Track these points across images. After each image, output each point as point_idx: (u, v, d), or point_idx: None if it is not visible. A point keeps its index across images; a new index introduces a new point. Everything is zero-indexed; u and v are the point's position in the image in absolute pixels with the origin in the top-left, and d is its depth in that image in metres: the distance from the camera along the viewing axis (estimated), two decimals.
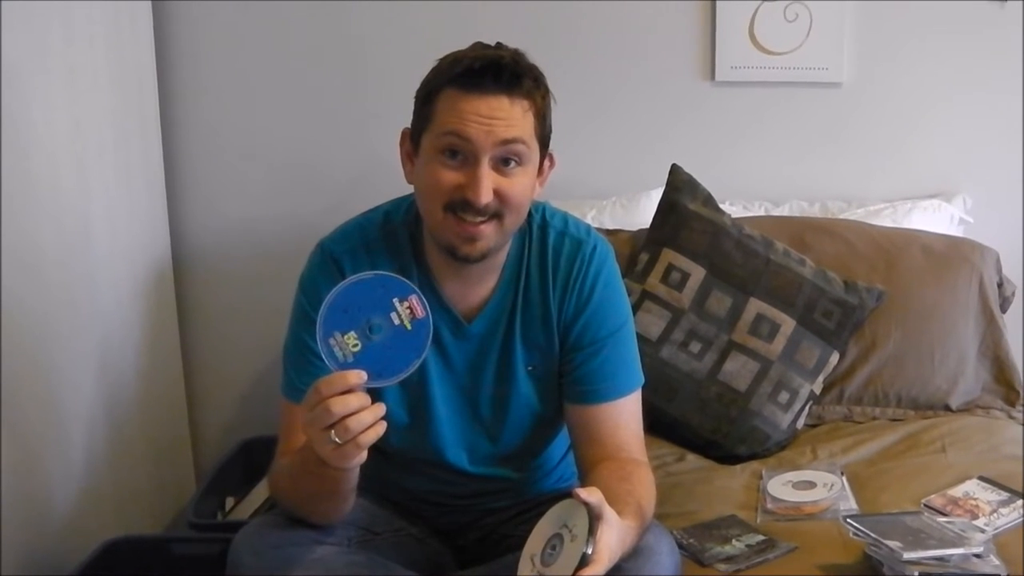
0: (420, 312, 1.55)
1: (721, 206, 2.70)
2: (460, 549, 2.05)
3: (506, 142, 1.70)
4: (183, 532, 2.66)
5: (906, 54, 3.00)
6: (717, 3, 2.99)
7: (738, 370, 2.50)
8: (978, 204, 3.00)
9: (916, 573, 1.67)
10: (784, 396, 2.48)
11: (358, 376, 1.50)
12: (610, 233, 2.70)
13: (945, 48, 2.99)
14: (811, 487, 2.17)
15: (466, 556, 2.03)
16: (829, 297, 2.56)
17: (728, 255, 2.59)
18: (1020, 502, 2.04)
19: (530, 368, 1.89)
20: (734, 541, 1.97)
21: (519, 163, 1.73)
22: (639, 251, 2.66)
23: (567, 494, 1.55)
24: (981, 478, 2.14)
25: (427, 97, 1.74)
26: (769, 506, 2.12)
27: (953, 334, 2.63)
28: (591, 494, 1.50)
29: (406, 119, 1.81)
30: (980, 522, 1.95)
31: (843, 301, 2.56)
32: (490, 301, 1.87)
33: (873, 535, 1.76)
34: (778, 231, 2.70)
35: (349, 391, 1.49)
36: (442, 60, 1.75)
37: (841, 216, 2.93)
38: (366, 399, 1.50)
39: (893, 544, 1.72)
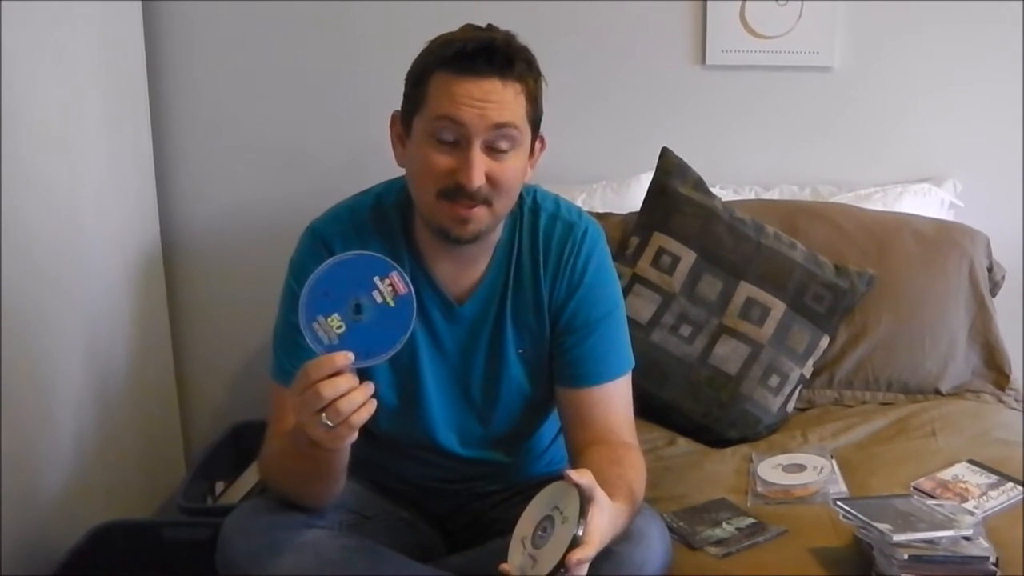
0: (402, 288, 1.55)
1: (712, 190, 2.70)
2: (450, 533, 2.05)
3: (499, 126, 1.69)
4: (173, 516, 2.66)
5: (897, 38, 3.00)
6: None
7: (729, 354, 2.51)
8: (968, 188, 3.01)
9: (906, 556, 1.68)
10: (774, 380, 2.49)
11: (345, 357, 1.50)
12: (601, 217, 2.69)
13: (936, 33, 2.99)
14: (801, 470, 2.17)
15: (456, 539, 2.04)
16: (820, 281, 2.56)
17: (719, 239, 2.58)
18: (1009, 485, 2.05)
19: (521, 351, 1.89)
20: (724, 524, 1.97)
21: (511, 147, 1.72)
22: (630, 235, 2.66)
23: (558, 477, 1.54)
24: (971, 461, 2.15)
25: (418, 80, 1.74)
26: (759, 489, 2.13)
27: (943, 318, 2.63)
28: (582, 476, 1.50)
29: (396, 102, 1.80)
30: (969, 505, 1.96)
31: (834, 285, 2.56)
32: (481, 284, 1.87)
33: (863, 518, 1.76)
34: (769, 215, 2.70)
35: (337, 373, 1.49)
36: (433, 42, 1.74)
37: (832, 200, 2.93)
38: (355, 380, 1.50)
39: (883, 527, 1.72)
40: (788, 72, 3.04)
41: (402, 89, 1.78)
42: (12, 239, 2.34)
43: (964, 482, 2.07)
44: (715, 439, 2.46)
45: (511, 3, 2.86)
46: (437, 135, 1.71)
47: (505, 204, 1.77)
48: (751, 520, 1.98)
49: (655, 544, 1.67)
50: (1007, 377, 2.64)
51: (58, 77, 2.54)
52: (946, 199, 2.95)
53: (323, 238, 1.85)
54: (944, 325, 2.63)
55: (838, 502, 1.84)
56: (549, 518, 1.53)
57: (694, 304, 2.54)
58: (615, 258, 2.06)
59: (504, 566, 1.53)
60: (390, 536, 1.91)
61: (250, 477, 2.76)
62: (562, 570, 1.45)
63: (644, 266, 2.58)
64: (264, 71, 3.11)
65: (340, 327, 1.53)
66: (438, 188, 1.72)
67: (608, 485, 1.57)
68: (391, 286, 1.55)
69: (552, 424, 2.01)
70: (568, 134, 2.81)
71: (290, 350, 1.80)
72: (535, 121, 1.78)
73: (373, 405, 1.52)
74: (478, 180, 1.69)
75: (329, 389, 1.48)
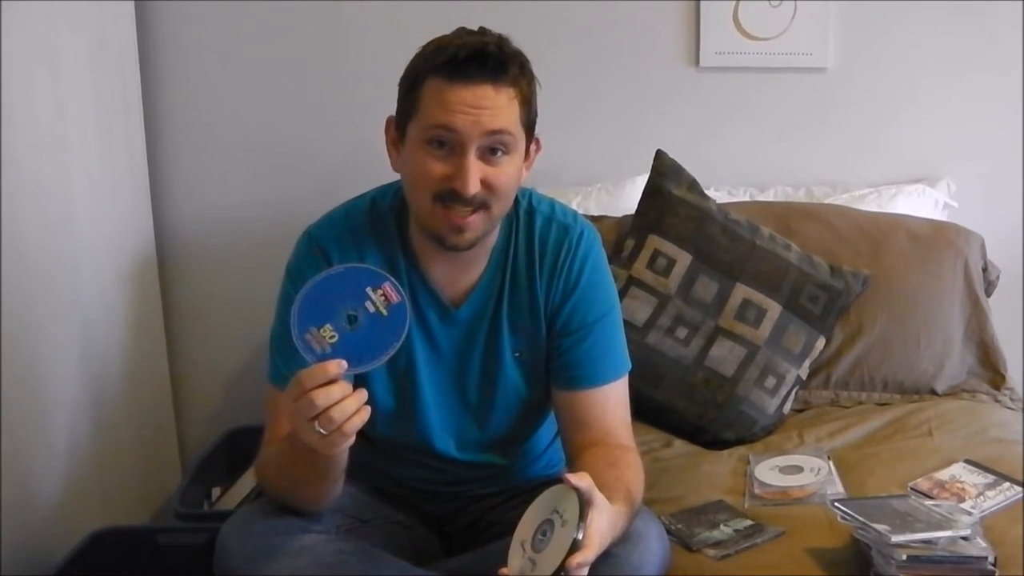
0: (395, 297, 1.55)
1: (706, 191, 2.69)
2: (448, 536, 2.05)
3: (492, 132, 1.69)
4: (169, 522, 2.66)
5: (890, 39, 3.01)
6: None
7: (725, 355, 2.50)
8: (962, 189, 3.01)
9: (904, 556, 1.68)
10: (771, 381, 2.49)
11: (338, 366, 1.50)
12: (596, 219, 2.69)
13: (929, 33, 3.00)
14: (798, 472, 2.17)
15: (454, 543, 2.03)
16: (815, 282, 2.56)
17: (714, 240, 2.58)
18: (1006, 484, 2.05)
19: (517, 354, 1.88)
20: (722, 526, 1.97)
21: (506, 152, 1.72)
22: (625, 237, 2.65)
23: (556, 480, 1.55)
24: (967, 461, 2.15)
25: (412, 85, 1.74)
26: (756, 491, 2.13)
27: (938, 318, 2.63)
28: (581, 479, 1.51)
29: (391, 105, 1.80)
30: (967, 505, 1.96)
31: (829, 286, 2.56)
32: (477, 287, 1.86)
33: (860, 519, 1.76)
34: (763, 216, 2.70)
35: (331, 381, 1.49)
36: (426, 46, 1.74)
37: (826, 201, 2.93)
38: (348, 387, 1.50)
39: (880, 527, 1.72)
40: (782, 73, 3.04)
41: (396, 92, 1.78)
42: (5, 243, 2.34)
43: (961, 482, 2.07)
44: (711, 441, 2.46)
45: (505, 6, 2.89)
46: (431, 142, 1.71)
47: (501, 208, 1.77)
48: (749, 522, 1.98)
49: (653, 546, 1.67)
50: (1003, 376, 2.64)
51: (51, 80, 2.54)
52: (940, 199, 2.96)
53: (319, 243, 1.85)
54: (939, 325, 2.63)
55: (836, 503, 1.84)
56: (549, 521, 1.53)
57: (690, 306, 2.54)
58: (611, 260, 2.06)
59: (504, 570, 1.53)
60: (387, 540, 1.91)
61: (247, 482, 2.75)
62: (562, 574, 1.46)
63: (640, 268, 2.58)
64: (258, 74, 3.11)
65: (333, 337, 1.53)
66: (433, 193, 1.72)
67: (606, 487, 1.58)
68: (384, 296, 1.55)
69: (549, 426, 2.01)
70: (563, 137, 2.80)
71: (287, 354, 1.79)
72: (529, 125, 1.78)
73: (367, 412, 1.52)
74: (473, 187, 1.69)
75: (322, 397, 1.48)
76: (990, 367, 2.65)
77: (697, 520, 2.00)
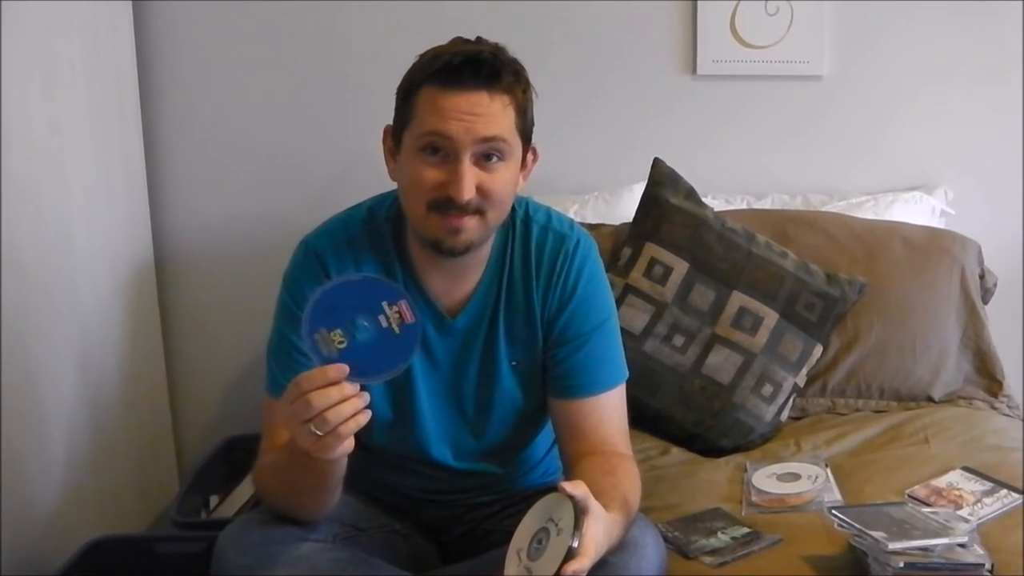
0: (409, 317, 1.55)
1: (703, 199, 2.70)
2: (445, 545, 2.05)
3: (486, 139, 1.70)
4: (167, 531, 2.65)
5: (887, 47, 3.01)
6: None
7: (721, 363, 2.51)
8: (959, 196, 3.01)
9: (901, 563, 1.68)
10: (767, 389, 2.49)
11: (338, 370, 1.50)
12: (592, 227, 2.70)
13: (925, 41, 3.00)
14: (795, 479, 2.17)
15: (451, 552, 2.03)
16: (811, 290, 2.57)
17: (710, 248, 2.59)
18: (1004, 491, 2.05)
19: (514, 363, 1.89)
20: (719, 534, 1.97)
21: (501, 158, 1.73)
22: (622, 245, 2.66)
23: (552, 488, 1.55)
24: (965, 468, 2.15)
25: (407, 94, 1.74)
26: (753, 498, 2.13)
27: (935, 326, 2.64)
28: (576, 487, 1.51)
29: (388, 115, 1.80)
30: (964, 512, 1.96)
31: (825, 294, 2.57)
32: (474, 296, 1.87)
33: (857, 526, 1.76)
34: (760, 224, 2.71)
35: (330, 385, 1.49)
36: (422, 56, 1.75)
37: (823, 209, 2.93)
38: (347, 390, 1.50)
39: (878, 535, 1.72)
40: (778, 81, 3.05)
41: (394, 102, 1.78)
42: (3, 252, 2.34)
43: (959, 489, 2.07)
44: (708, 448, 2.46)
45: (502, 15, 2.90)
46: (426, 149, 1.71)
47: (497, 215, 1.77)
48: (746, 529, 1.98)
49: (650, 554, 1.67)
50: (1000, 384, 2.64)
51: (48, 89, 2.54)
52: (937, 207, 2.96)
53: (316, 252, 1.85)
54: (936, 332, 2.63)
55: (833, 510, 1.84)
56: (544, 530, 1.53)
57: (686, 314, 2.54)
58: (608, 269, 2.06)
59: None
60: (384, 548, 1.91)
61: (244, 491, 2.75)
62: None
63: (636, 276, 2.58)
64: (255, 83, 3.12)
65: (342, 342, 1.53)
66: (428, 200, 1.72)
67: (603, 495, 1.58)
68: (398, 313, 1.55)
69: (546, 435, 2.01)
70: (560, 145, 2.81)
71: (284, 363, 1.80)
72: (525, 133, 1.78)
73: (365, 416, 1.52)
74: (468, 193, 1.69)
75: (319, 399, 1.48)
76: (987, 374, 2.65)
77: (694, 528, 2.00)
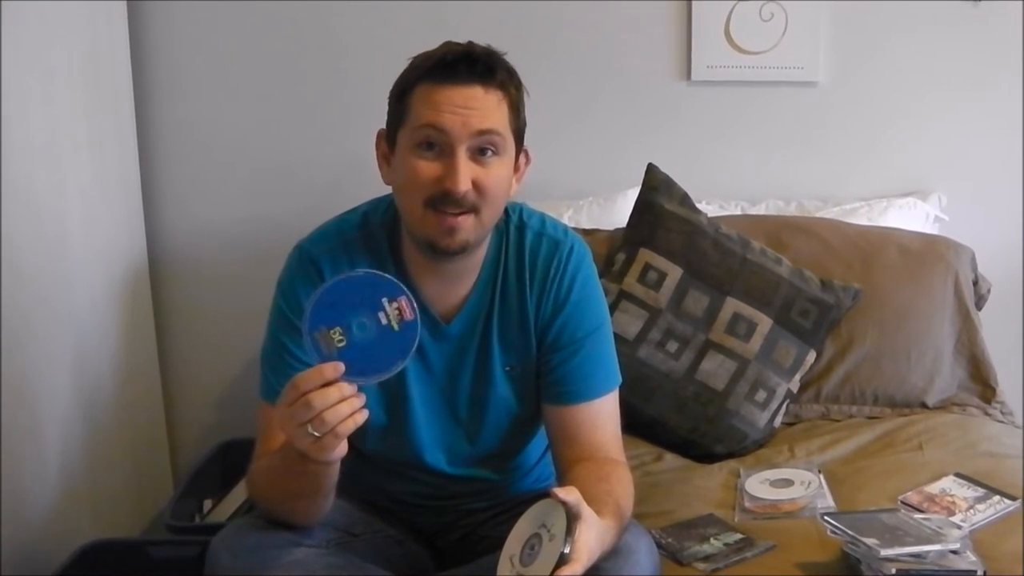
0: (409, 314, 1.55)
1: (698, 205, 2.70)
2: (439, 550, 2.05)
3: (481, 133, 1.70)
4: (160, 535, 2.65)
5: (881, 53, 3.02)
6: (693, 3, 3.00)
7: (715, 369, 2.51)
8: (953, 202, 3.02)
9: (893, 570, 1.68)
10: (761, 395, 2.49)
11: (335, 369, 1.50)
12: (587, 233, 2.71)
13: (920, 47, 3.01)
14: (789, 485, 2.18)
15: (445, 557, 2.03)
16: (806, 296, 2.57)
17: (705, 254, 2.59)
18: (996, 498, 2.05)
19: (508, 368, 1.89)
20: (712, 540, 1.97)
21: (495, 153, 1.73)
22: (616, 251, 2.66)
23: (545, 494, 1.55)
24: (958, 475, 2.15)
25: (401, 94, 1.75)
26: (747, 505, 2.13)
27: (929, 332, 2.64)
28: (569, 493, 1.51)
29: (383, 120, 1.81)
30: (957, 518, 1.96)
31: (819, 300, 2.57)
32: (468, 301, 1.87)
33: (850, 533, 1.77)
34: (755, 230, 2.71)
35: (327, 384, 1.49)
36: (415, 59, 1.76)
37: (817, 215, 2.94)
38: (344, 390, 1.50)
39: (870, 541, 1.72)
40: (773, 87, 3.05)
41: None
42: (0, 255, 2.34)
43: (952, 495, 2.07)
44: (702, 454, 2.46)
45: (497, 21, 2.91)
46: (422, 144, 1.72)
47: (491, 213, 1.77)
48: (739, 535, 1.99)
49: (643, 560, 1.67)
50: (993, 390, 2.65)
51: (44, 94, 2.55)
52: (931, 213, 2.97)
53: (311, 257, 1.85)
54: (930, 339, 2.63)
55: (825, 517, 1.84)
56: (537, 535, 1.53)
57: (680, 320, 2.55)
58: (602, 274, 2.06)
59: None
60: (378, 554, 1.91)
61: (238, 495, 2.75)
62: None
63: (631, 282, 2.58)
64: (250, 87, 3.12)
65: (341, 341, 1.53)
66: (425, 197, 1.72)
67: (595, 502, 1.58)
68: (398, 310, 1.55)
69: (540, 441, 2.01)
70: (555, 150, 2.81)
71: (278, 368, 1.80)
72: (518, 132, 1.79)
73: (362, 416, 1.52)
74: (464, 185, 1.69)
75: (318, 399, 1.48)
76: (981, 381, 2.66)
77: (687, 534, 2.00)
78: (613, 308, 2.49)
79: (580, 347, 1.85)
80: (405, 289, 1.56)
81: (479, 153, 1.72)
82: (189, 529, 2.59)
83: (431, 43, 1.77)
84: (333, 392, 1.49)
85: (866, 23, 3.00)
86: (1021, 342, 3.08)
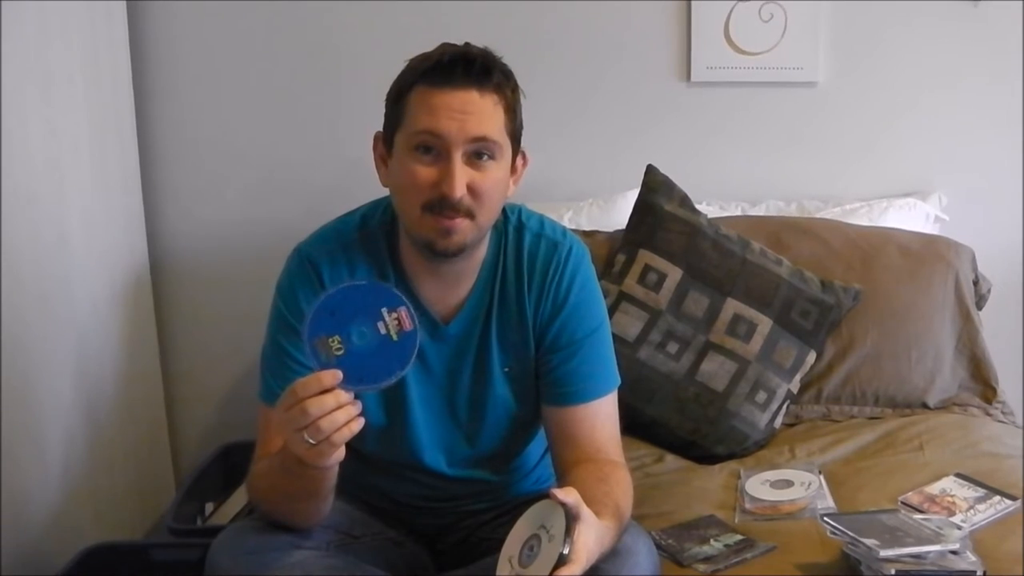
0: (408, 325, 1.55)
1: (697, 206, 2.70)
2: (439, 552, 2.05)
3: (477, 139, 1.71)
4: (162, 538, 2.65)
5: (881, 53, 3.02)
6: (692, 3, 3.00)
7: (715, 370, 2.51)
8: (953, 202, 3.02)
9: (893, 571, 1.68)
10: (762, 396, 2.49)
11: (333, 376, 1.50)
12: (587, 234, 2.71)
13: (919, 47, 3.01)
14: (789, 486, 2.18)
15: (445, 559, 2.03)
16: (806, 297, 2.57)
17: (705, 255, 2.59)
18: (997, 498, 2.05)
19: (507, 369, 1.89)
20: (712, 541, 1.97)
21: (491, 157, 1.73)
22: (616, 252, 2.66)
23: (545, 495, 1.55)
24: (958, 475, 2.15)
25: (398, 96, 1.75)
26: (747, 506, 2.13)
27: (930, 332, 2.64)
28: (568, 494, 1.51)
29: (381, 123, 1.81)
30: (957, 519, 1.96)
31: (820, 300, 2.57)
32: (467, 302, 1.87)
33: (850, 533, 1.77)
34: (754, 231, 2.71)
35: (325, 392, 1.50)
36: (411, 60, 1.76)
37: (817, 215, 2.94)
38: (342, 397, 1.50)
39: (870, 542, 1.72)
40: (773, 88, 3.05)
41: None
42: (1, 258, 2.34)
43: (952, 496, 2.07)
44: (703, 455, 2.46)
45: (496, 22, 2.91)
46: (418, 148, 1.72)
47: (487, 217, 1.77)
48: (739, 537, 1.98)
49: (643, 561, 1.67)
50: (994, 390, 2.65)
51: (44, 98, 2.55)
52: (931, 213, 2.96)
53: (310, 259, 1.85)
54: (930, 339, 2.63)
55: (826, 518, 1.84)
56: (536, 536, 1.53)
57: (680, 321, 2.55)
58: (601, 276, 2.06)
59: None
60: (378, 556, 1.91)
61: (239, 498, 2.75)
62: None
63: (630, 283, 2.58)
64: (251, 92, 3.12)
65: (340, 349, 1.53)
66: (422, 201, 1.72)
67: (595, 503, 1.58)
68: (397, 320, 1.55)
69: (540, 442, 2.01)
70: (554, 152, 2.82)
71: (278, 372, 1.80)
72: (515, 134, 1.79)
73: (358, 424, 1.52)
74: (460, 189, 1.70)
75: (315, 407, 1.49)
76: (981, 381, 2.66)
77: (688, 535, 2.00)
78: (613, 310, 2.50)
79: (579, 348, 1.85)
80: (405, 300, 1.57)
81: (475, 157, 1.72)
82: (191, 532, 2.58)
83: (429, 45, 1.78)
84: (329, 400, 1.49)
85: (865, 23, 3.00)
86: (1021, 342, 3.07)
